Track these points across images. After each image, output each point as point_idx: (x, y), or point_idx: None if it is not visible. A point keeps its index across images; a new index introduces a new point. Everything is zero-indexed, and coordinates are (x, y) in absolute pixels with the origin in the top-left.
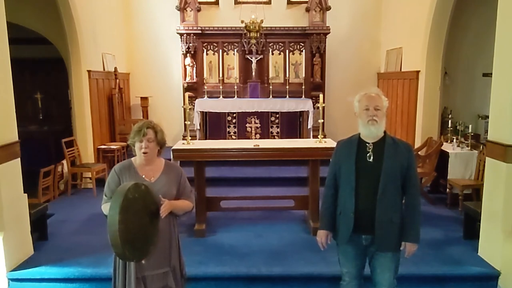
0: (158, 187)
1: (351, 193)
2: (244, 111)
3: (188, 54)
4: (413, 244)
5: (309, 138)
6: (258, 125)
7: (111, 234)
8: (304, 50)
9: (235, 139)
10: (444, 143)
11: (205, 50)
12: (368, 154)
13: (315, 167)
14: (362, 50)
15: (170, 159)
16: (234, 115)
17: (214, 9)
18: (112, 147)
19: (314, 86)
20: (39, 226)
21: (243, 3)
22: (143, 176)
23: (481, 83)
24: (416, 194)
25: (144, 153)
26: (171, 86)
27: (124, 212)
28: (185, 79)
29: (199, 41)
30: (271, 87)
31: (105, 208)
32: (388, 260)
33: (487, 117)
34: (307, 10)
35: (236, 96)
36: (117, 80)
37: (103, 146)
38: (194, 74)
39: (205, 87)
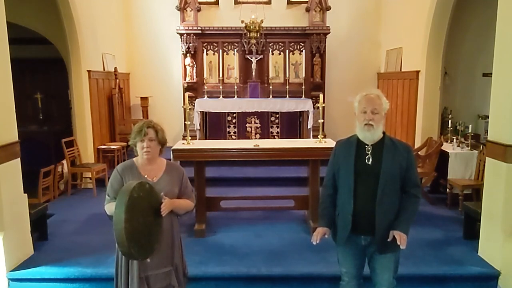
0: (160, 186)
1: (350, 194)
2: (244, 111)
3: (188, 54)
4: (403, 234)
5: (309, 138)
6: (258, 125)
7: (117, 232)
8: (304, 50)
9: (235, 139)
10: (444, 143)
11: (205, 50)
12: (367, 157)
13: (315, 167)
14: (362, 50)
15: (170, 159)
16: (234, 115)
17: (214, 9)
18: (112, 147)
19: (314, 86)
20: (39, 226)
21: (243, 3)
22: (146, 176)
23: (481, 83)
24: (417, 193)
25: (146, 152)
26: (171, 86)
27: (130, 211)
28: (185, 79)
29: (199, 41)
30: (271, 87)
31: (109, 208)
32: (387, 260)
33: (487, 117)
34: (307, 10)
35: (236, 96)
36: (117, 80)
37: (103, 146)
38: (194, 74)
39: (205, 87)
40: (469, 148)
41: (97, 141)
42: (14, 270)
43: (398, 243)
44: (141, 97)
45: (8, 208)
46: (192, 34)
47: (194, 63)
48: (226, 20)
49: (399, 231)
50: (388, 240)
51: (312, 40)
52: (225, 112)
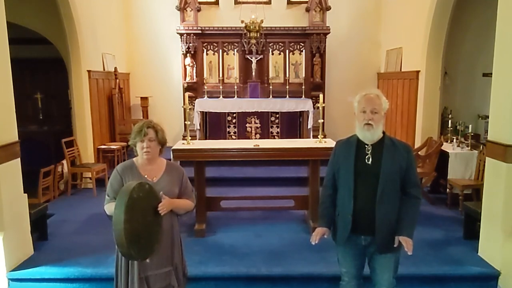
0: (160, 186)
1: (350, 194)
2: (244, 111)
3: (188, 54)
4: (409, 239)
5: (309, 138)
6: (258, 125)
7: (116, 233)
8: (304, 50)
9: (235, 139)
10: (444, 143)
11: (205, 50)
12: (367, 157)
13: (315, 167)
14: (362, 50)
15: (170, 159)
16: (234, 115)
17: (214, 9)
18: (112, 147)
19: (314, 86)
20: (39, 226)
21: (243, 3)
22: (145, 176)
23: (481, 83)
24: (418, 194)
25: (146, 152)
26: (171, 86)
27: (130, 212)
28: (185, 79)
29: (199, 41)
30: (271, 87)
31: (109, 208)
32: (387, 260)
33: (487, 117)
34: (307, 10)
35: (236, 96)
36: (117, 80)
37: (103, 146)
38: (194, 74)
39: (205, 87)
40: (469, 148)
41: (97, 141)
42: (14, 270)
43: (406, 249)
44: (141, 97)
45: (8, 208)
46: (192, 34)
47: (194, 63)
48: (226, 20)
49: (405, 236)
50: (395, 246)
51: (312, 40)
52: (225, 112)
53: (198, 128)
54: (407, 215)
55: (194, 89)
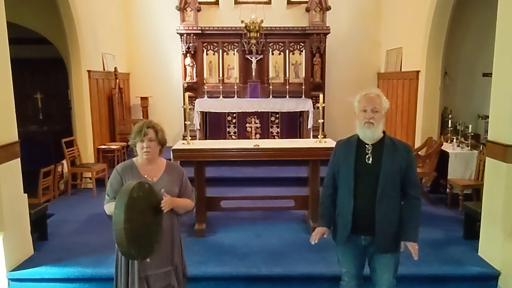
0: (160, 186)
1: (350, 194)
2: (244, 111)
3: (188, 54)
4: (414, 243)
5: (309, 138)
6: (258, 125)
7: (116, 233)
8: (304, 50)
9: (235, 139)
10: (444, 143)
11: (205, 50)
12: (367, 156)
13: (315, 167)
14: (362, 50)
15: (170, 159)
16: (234, 115)
17: (214, 9)
18: (112, 147)
19: (314, 86)
20: (39, 226)
21: (243, 3)
22: (145, 176)
23: (481, 83)
24: (417, 194)
25: (146, 152)
26: (171, 86)
27: (129, 211)
28: (185, 79)
29: (199, 41)
30: (271, 87)
31: (108, 208)
32: (387, 260)
33: (487, 117)
34: (307, 10)
35: (236, 96)
36: (117, 80)
37: (103, 146)
38: (194, 74)
39: (205, 87)
40: (469, 148)
41: (97, 141)
42: (14, 270)
43: (413, 255)
44: (141, 97)
45: (8, 208)
46: (192, 34)
47: (194, 63)
48: (226, 20)
49: (410, 240)
50: (401, 250)
51: (312, 40)
52: (225, 112)
53: (198, 128)
54: (410, 218)
55: (194, 89)
